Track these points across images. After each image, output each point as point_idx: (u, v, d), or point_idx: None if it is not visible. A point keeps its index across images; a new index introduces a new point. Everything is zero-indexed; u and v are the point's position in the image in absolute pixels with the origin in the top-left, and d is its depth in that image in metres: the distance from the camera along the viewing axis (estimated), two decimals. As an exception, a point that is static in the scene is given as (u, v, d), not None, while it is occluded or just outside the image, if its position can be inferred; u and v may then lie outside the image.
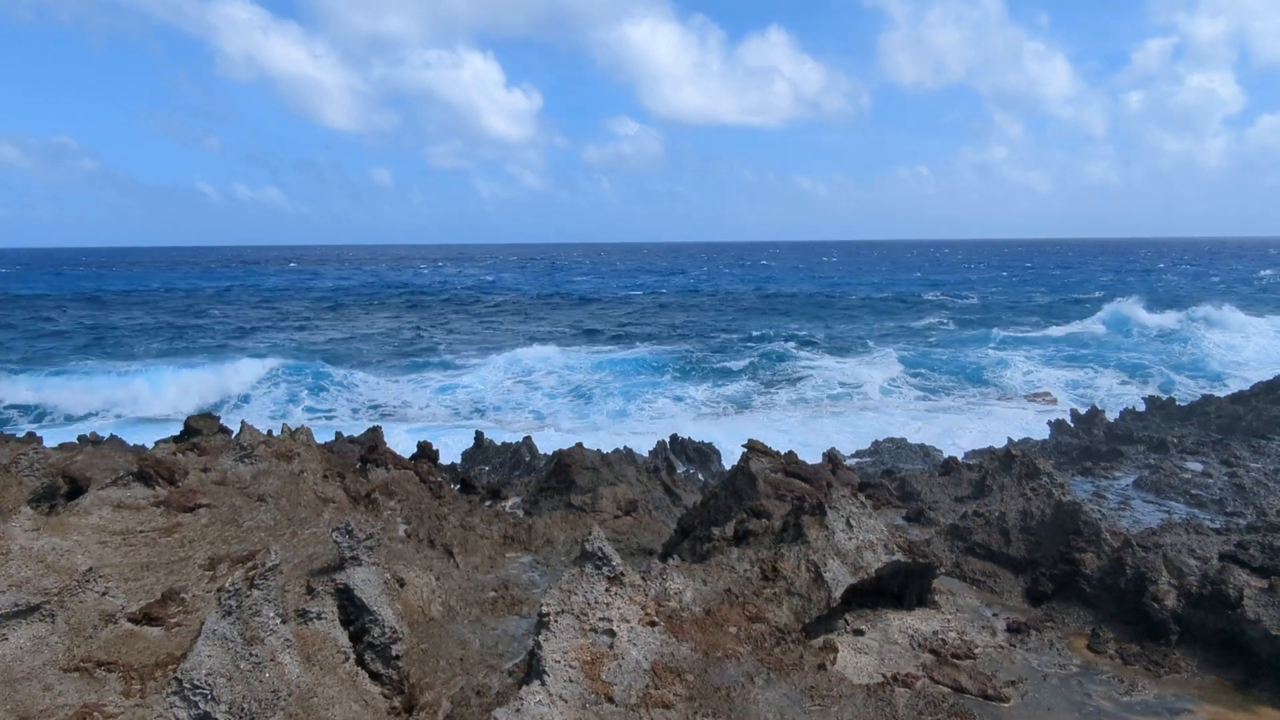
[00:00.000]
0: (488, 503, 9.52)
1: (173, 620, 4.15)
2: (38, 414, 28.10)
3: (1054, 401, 25.97)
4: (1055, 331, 45.19)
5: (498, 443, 16.55)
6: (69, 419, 27.25)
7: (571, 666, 3.66)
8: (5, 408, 28.78)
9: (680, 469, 13.35)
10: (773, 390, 29.79)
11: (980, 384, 30.27)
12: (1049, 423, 15.23)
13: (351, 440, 12.53)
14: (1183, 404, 15.96)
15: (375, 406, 28.58)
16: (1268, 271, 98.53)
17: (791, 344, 41.31)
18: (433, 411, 27.65)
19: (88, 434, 11.25)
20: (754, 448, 7.24)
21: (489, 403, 28.46)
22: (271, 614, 3.65)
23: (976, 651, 5.00)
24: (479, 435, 16.19)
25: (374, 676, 4.11)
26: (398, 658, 4.22)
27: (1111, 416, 14.90)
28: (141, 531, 5.21)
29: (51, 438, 9.69)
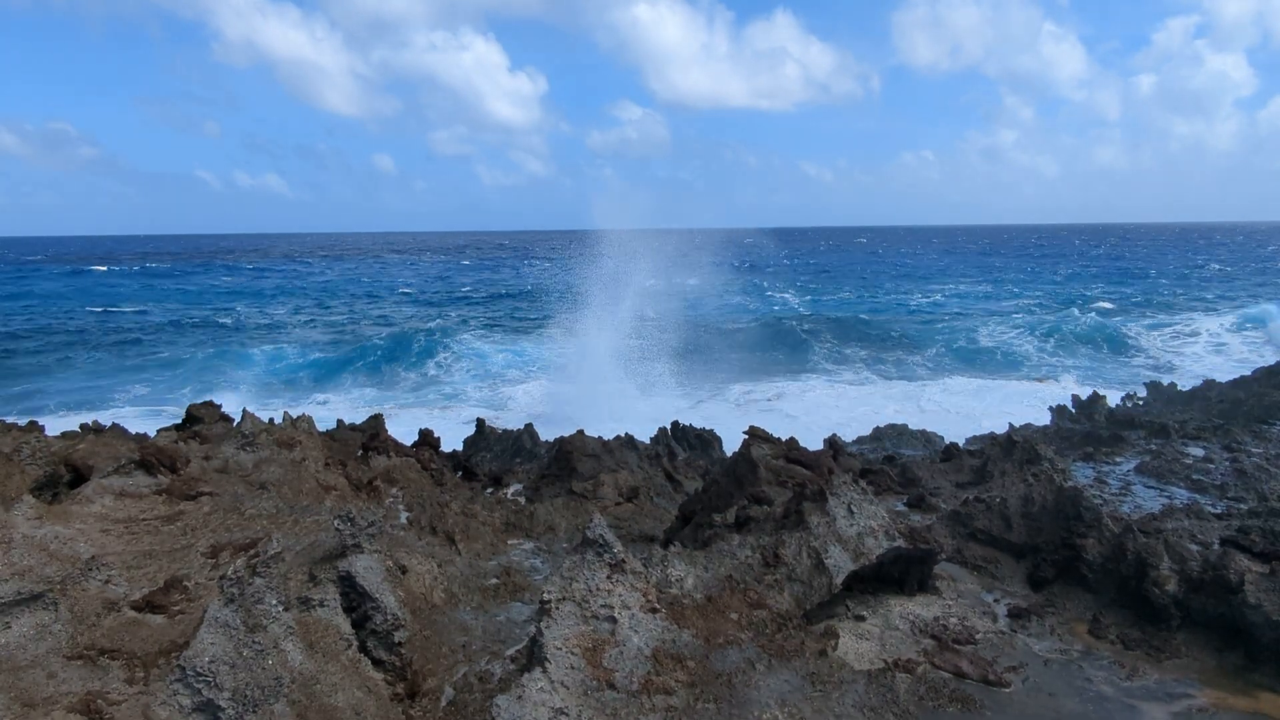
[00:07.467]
0: (489, 490, 9.53)
1: (175, 608, 4.16)
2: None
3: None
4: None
5: (499, 430, 16.52)
6: (68, 408, 27.18)
7: (573, 653, 3.67)
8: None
9: (681, 455, 13.34)
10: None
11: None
12: (1050, 408, 15.19)
13: (353, 428, 12.52)
14: (1184, 389, 15.97)
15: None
16: None
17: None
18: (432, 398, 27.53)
19: (89, 422, 11.25)
20: (755, 434, 7.23)
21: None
22: (274, 601, 3.66)
23: (978, 637, 5.01)
24: (480, 422, 16.15)
25: (376, 663, 4.12)
26: (400, 644, 4.23)
27: (1112, 402, 14.90)
28: (144, 519, 5.22)
29: (53, 425, 9.71)
